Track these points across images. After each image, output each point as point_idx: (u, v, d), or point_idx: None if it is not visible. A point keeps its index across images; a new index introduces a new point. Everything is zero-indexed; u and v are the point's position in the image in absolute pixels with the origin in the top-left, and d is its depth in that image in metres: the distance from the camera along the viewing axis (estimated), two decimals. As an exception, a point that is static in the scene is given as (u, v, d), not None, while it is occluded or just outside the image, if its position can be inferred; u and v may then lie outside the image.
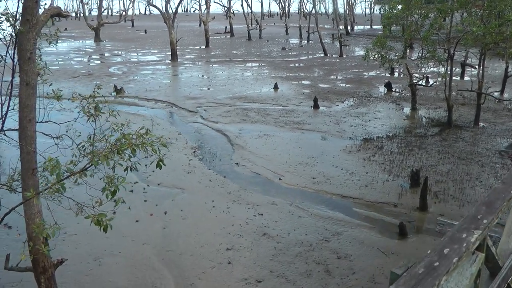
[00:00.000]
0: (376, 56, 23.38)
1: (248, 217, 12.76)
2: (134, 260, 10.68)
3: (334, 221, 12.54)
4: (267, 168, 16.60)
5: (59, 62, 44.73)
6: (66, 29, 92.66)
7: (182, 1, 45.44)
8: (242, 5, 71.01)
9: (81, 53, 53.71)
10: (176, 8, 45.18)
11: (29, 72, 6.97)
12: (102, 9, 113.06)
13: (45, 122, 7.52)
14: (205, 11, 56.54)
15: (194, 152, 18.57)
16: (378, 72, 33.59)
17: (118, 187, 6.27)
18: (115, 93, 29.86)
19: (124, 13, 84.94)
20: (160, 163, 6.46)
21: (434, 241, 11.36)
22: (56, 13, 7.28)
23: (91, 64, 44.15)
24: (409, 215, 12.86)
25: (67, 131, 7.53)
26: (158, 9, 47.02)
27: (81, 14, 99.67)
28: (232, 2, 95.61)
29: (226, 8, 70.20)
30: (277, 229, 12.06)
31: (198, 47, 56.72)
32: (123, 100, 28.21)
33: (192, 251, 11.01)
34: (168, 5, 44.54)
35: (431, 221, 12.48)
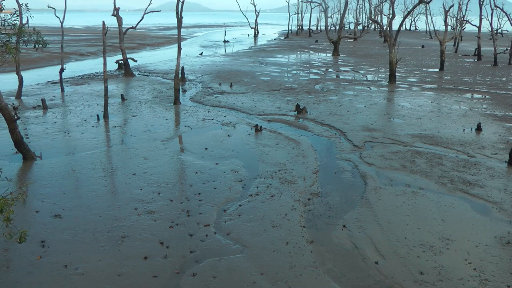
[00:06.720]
0: None
1: (278, 312, 9.59)
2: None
3: None
4: (373, 241, 12.77)
5: (274, 74, 45.36)
6: (316, 41, 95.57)
7: (407, 17, 40.90)
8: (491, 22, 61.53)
9: (306, 65, 53.80)
10: (400, 25, 41.01)
11: None
12: (352, 24, 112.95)
13: None
14: (444, 29, 50.53)
15: (308, 199, 15.65)
16: None
17: None
18: (296, 112, 28.37)
19: (365, 28, 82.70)
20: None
21: None
22: None
23: (302, 78, 43.54)
24: None
25: None
26: (379, 24, 43.59)
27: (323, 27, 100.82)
28: (499, 21, 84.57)
29: (477, 27, 61.74)
30: None
31: (430, 70, 51.10)
32: (296, 121, 26.45)
33: None
34: (392, 21, 40.87)
35: None
